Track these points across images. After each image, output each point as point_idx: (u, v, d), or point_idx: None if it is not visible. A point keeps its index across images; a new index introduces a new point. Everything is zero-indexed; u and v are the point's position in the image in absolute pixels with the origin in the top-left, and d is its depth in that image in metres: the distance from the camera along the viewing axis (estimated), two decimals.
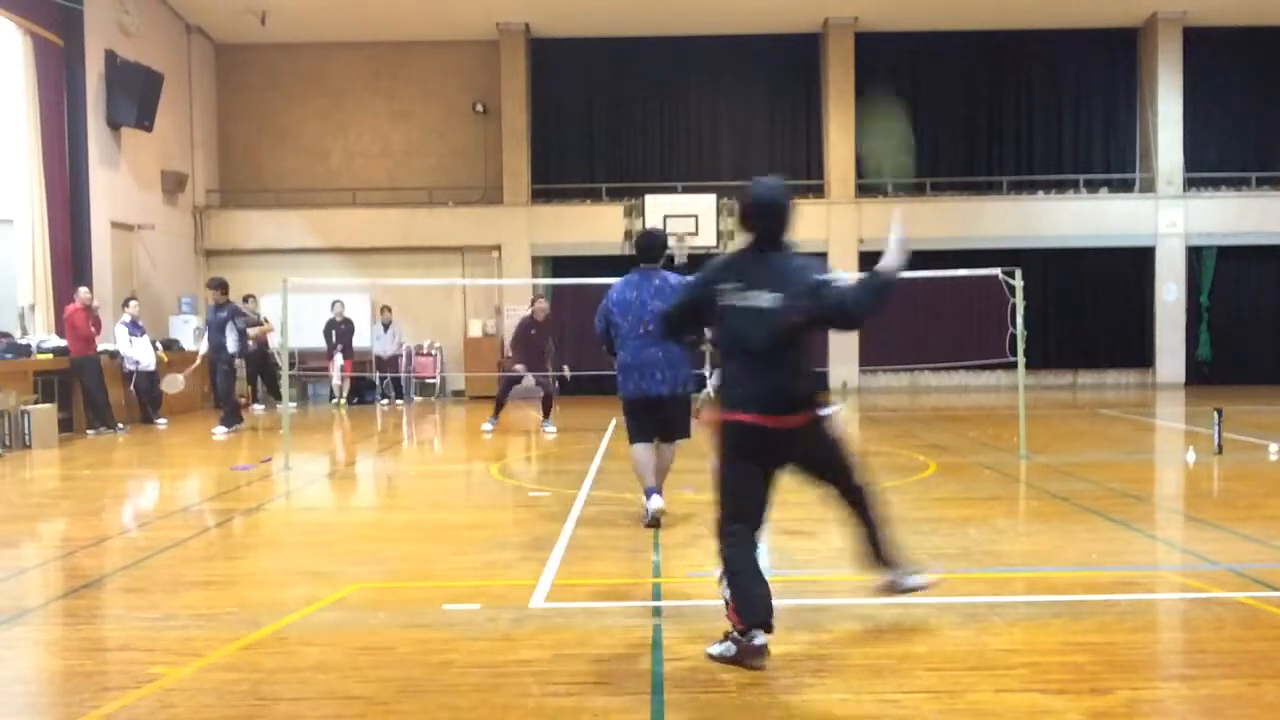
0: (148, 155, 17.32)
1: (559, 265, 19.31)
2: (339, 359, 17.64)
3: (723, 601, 4.13)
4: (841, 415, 4.11)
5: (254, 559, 6.29)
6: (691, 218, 18.39)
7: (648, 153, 20.29)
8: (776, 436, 4.09)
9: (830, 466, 4.36)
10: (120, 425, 13.56)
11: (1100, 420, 13.69)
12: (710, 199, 18.66)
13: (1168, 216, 19.35)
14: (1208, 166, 19.73)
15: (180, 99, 18.56)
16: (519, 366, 12.92)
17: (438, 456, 11.85)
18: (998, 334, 11.06)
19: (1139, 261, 19.61)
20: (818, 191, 19.35)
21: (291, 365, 11.73)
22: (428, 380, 19.12)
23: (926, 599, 4.93)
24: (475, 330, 19.25)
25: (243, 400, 15.21)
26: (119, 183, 16.45)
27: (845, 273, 4.32)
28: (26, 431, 11.88)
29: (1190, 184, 19.58)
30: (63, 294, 14.29)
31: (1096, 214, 19.43)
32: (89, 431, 13.35)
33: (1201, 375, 19.44)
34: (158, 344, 15.30)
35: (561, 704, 3.66)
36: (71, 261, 15.03)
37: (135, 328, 14.35)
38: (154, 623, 4.74)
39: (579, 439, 12.01)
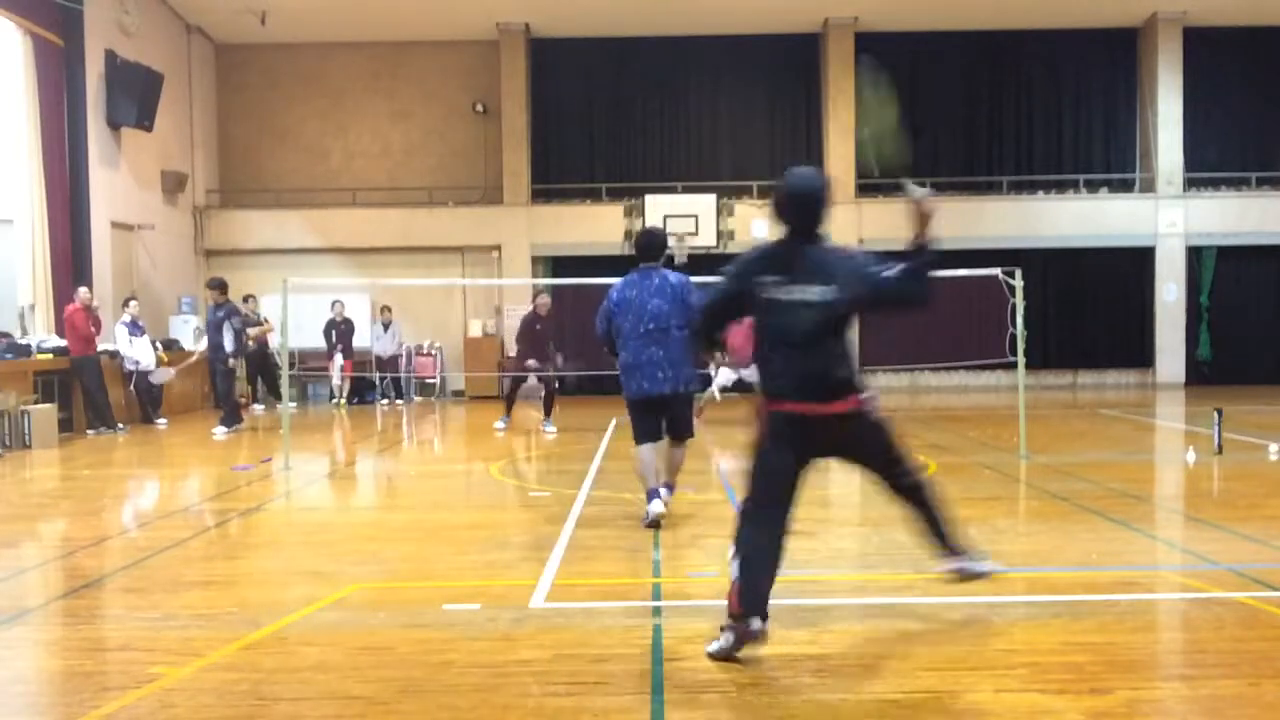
0: (148, 155, 17.31)
1: (559, 265, 19.31)
2: (339, 359, 17.64)
3: (729, 581, 4.12)
4: (880, 401, 4.11)
5: (254, 559, 6.29)
6: (691, 218, 18.40)
7: (648, 153, 20.29)
8: (820, 424, 4.07)
9: (875, 455, 4.33)
10: (120, 425, 13.56)
11: (1100, 420, 13.69)
12: (710, 199, 18.68)
13: (1168, 216, 19.35)
14: (1208, 166, 19.72)
15: (180, 99, 18.56)
16: (530, 362, 12.91)
17: (438, 456, 11.85)
18: (998, 334, 11.08)
19: (1139, 261, 19.61)
20: None
21: (291, 365, 11.73)
22: (428, 380, 19.12)
23: (926, 599, 4.93)
24: (475, 330, 19.25)
25: (243, 400, 15.21)
26: (119, 183, 16.45)
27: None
28: (26, 431, 11.88)
29: (1190, 184, 19.58)
30: (63, 294, 14.29)
31: (1096, 214, 19.43)
32: (89, 431, 13.35)
33: (1201, 375, 19.43)
34: (158, 344, 15.30)
35: (561, 704, 3.66)
36: (71, 261, 15.03)
37: (135, 328, 14.35)
38: (154, 623, 4.74)
39: (579, 439, 12.01)
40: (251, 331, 14.75)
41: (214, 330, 13.23)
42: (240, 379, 14.69)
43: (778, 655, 4.09)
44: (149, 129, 16.48)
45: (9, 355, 12.67)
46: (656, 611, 4.82)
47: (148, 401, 14.44)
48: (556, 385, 13.41)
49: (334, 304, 17.65)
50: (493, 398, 18.71)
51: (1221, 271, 19.51)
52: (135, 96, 16.00)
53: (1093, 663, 4.01)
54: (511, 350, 17.43)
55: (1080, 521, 6.76)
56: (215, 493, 8.71)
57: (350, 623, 4.70)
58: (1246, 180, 19.76)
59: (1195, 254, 19.49)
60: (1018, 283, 10.14)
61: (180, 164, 18.58)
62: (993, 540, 6.25)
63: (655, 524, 6.63)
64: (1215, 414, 10.08)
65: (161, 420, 14.41)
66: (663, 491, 7.10)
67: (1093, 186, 19.93)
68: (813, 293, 4.04)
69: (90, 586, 5.55)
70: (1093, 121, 20.17)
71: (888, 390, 19.20)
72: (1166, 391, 18.42)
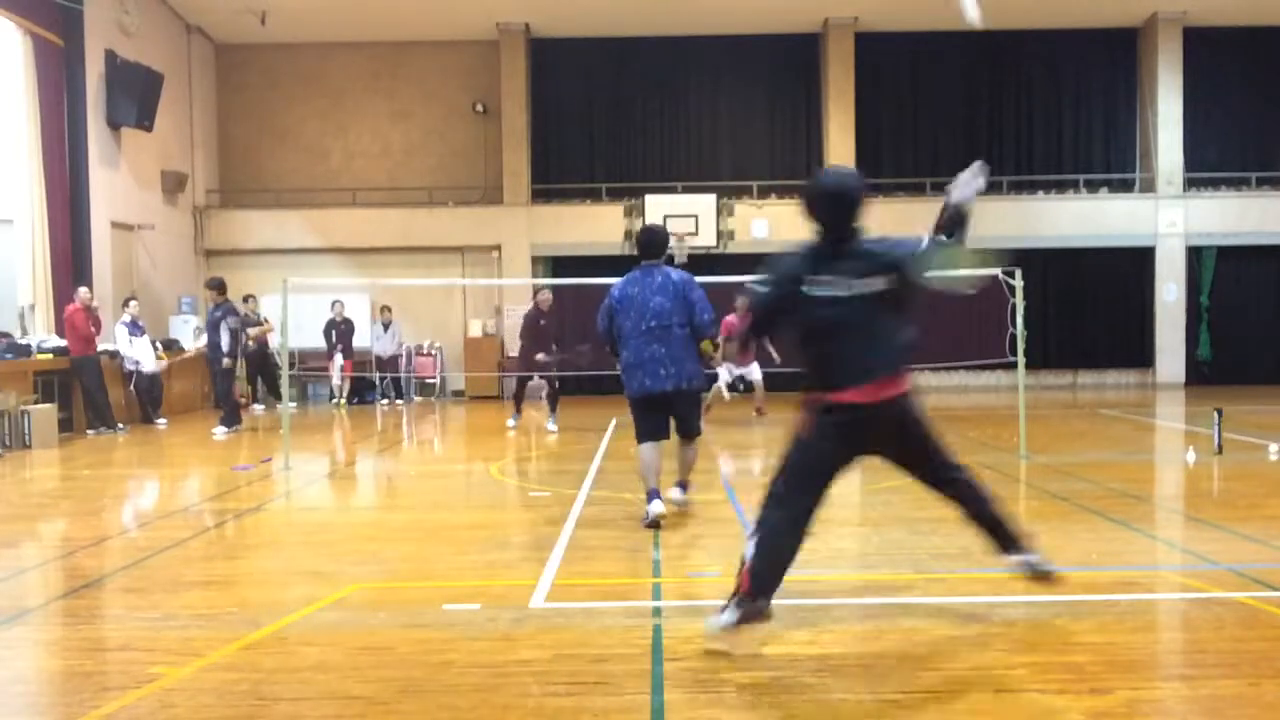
0: (148, 155, 17.31)
1: (559, 265, 19.31)
2: (339, 359, 17.65)
3: (741, 559, 4.14)
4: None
5: (254, 559, 6.29)
6: (691, 218, 18.41)
7: (648, 153, 20.29)
8: (870, 413, 4.09)
9: (919, 447, 4.35)
10: (120, 425, 13.56)
11: (1100, 420, 13.69)
12: (710, 199, 18.69)
13: (1168, 216, 19.35)
14: (1208, 166, 19.72)
15: (180, 99, 18.56)
16: (541, 355, 12.90)
17: (438, 456, 11.85)
18: (998, 334, 11.07)
19: (1139, 261, 19.61)
20: None
21: (291, 365, 11.73)
22: (428, 380, 19.12)
23: (926, 599, 4.93)
24: (475, 330, 19.25)
25: (243, 400, 15.22)
26: (119, 183, 16.45)
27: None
28: (26, 431, 11.88)
29: (1190, 184, 19.58)
30: (63, 294, 14.29)
31: (1096, 214, 19.43)
32: (89, 431, 13.36)
33: (1201, 375, 19.43)
34: (158, 344, 15.31)
35: (561, 704, 3.66)
36: (71, 261, 15.03)
37: (135, 328, 14.36)
38: (154, 623, 4.74)
39: (579, 439, 12.01)
40: (251, 331, 14.75)
41: (212, 330, 13.26)
42: (240, 379, 14.69)
43: (778, 655, 4.09)
44: (149, 129, 16.48)
45: (9, 355, 12.67)
46: (656, 611, 4.82)
47: (148, 401, 14.45)
48: (557, 384, 13.41)
49: (334, 304, 17.65)
50: (493, 398, 18.73)
51: (1221, 271, 19.51)
52: (135, 96, 16.01)
53: (1093, 663, 4.01)
54: (512, 350, 17.45)
55: (1080, 521, 6.76)
56: (215, 493, 8.71)
57: (350, 623, 4.70)
58: (1246, 180, 19.76)
59: (1195, 254, 19.49)
60: (1018, 283, 10.14)
61: (180, 164, 18.58)
62: None
63: (655, 524, 6.62)
64: (1215, 414, 10.08)
65: (161, 420, 14.41)
66: (675, 491, 7.10)
67: (1093, 186, 19.93)
68: (860, 286, 4.09)
69: (90, 586, 5.55)
70: (1093, 121, 20.17)
71: None
72: (1166, 391, 18.42)
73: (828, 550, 5.91)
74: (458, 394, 19.42)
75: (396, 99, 20.35)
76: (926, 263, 4.20)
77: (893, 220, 9.14)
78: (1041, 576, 4.53)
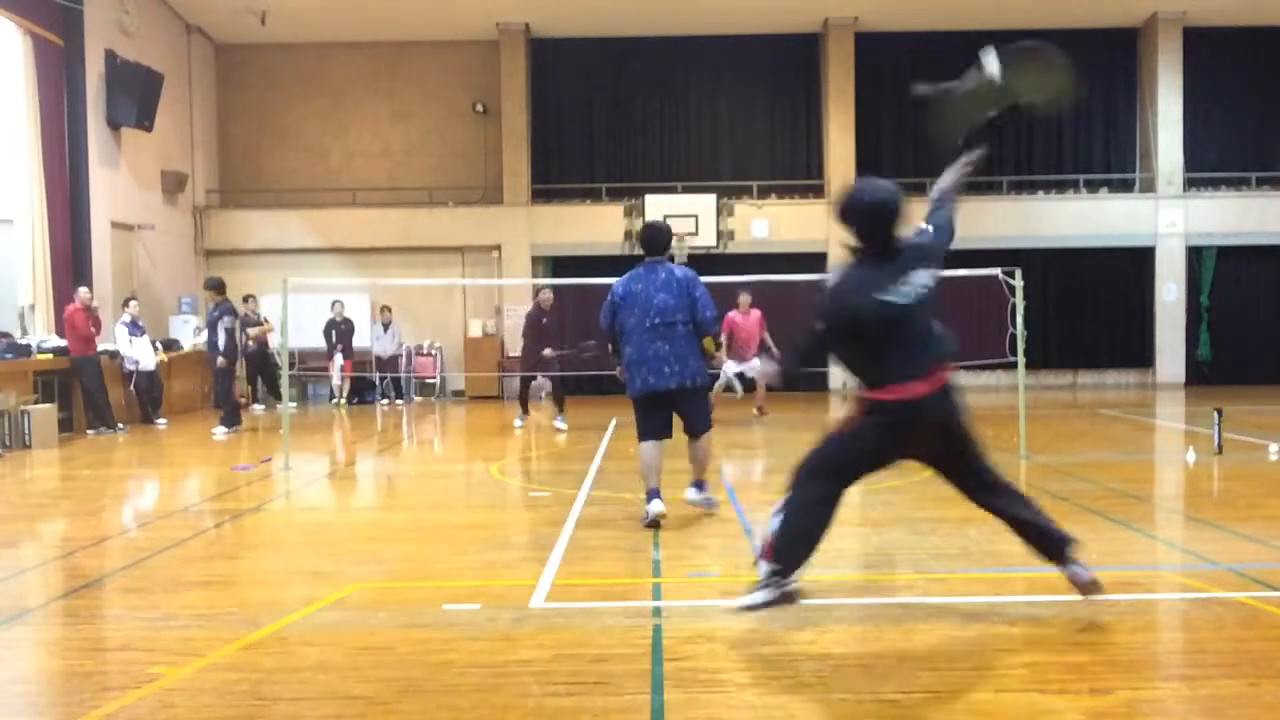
0: (148, 155, 17.32)
1: (559, 265, 19.31)
2: (339, 359, 17.65)
3: (762, 537, 4.20)
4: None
5: (254, 559, 6.29)
6: (691, 218, 18.41)
7: (648, 153, 20.28)
8: (919, 406, 4.15)
9: (960, 450, 4.42)
10: (120, 425, 13.56)
11: (1100, 420, 13.69)
12: (710, 199, 18.68)
13: (1168, 216, 19.36)
14: (1208, 166, 19.73)
15: (180, 99, 18.56)
16: (547, 351, 12.91)
17: (438, 456, 11.85)
18: (998, 334, 11.06)
19: (1139, 261, 19.61)
20: (818, 191, 19.31)
21: (291, 365, 11.73)
22: (428, 380, 19.13)
23: (926, 599, 4.93)
24: (475, 330, 19.25)
25: (243, 400, 15.22)
26: (119, 183, 16.45)
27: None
28: (26, 431, 11.88)
29: (1190, 184, 19.59)
30: (63, 294, 14.29)
31: (1096, 214, 19.43)
32: (89, 431, 13.36)
33: (1201, 375, 19.44)
34: (158, 344, 15.31)
35: (561, 704, 3.66)
36: (71, 261, 15.04)
37: (135, 328, 14.36)
38: (154, 623, 4.74)
39: (579, 439, 12.01)
40: (251, 331, 14.74)
41: (211, 330, 13.26)
42: (240, 379, 14.69)
43: (778, 655, 4.09)
44: (149, 129, 16.48)
45: (9, 355, 12.67)
46: (656, 611, 4.82)
47: (148, 401, 14.45)
48: (563, 383, 13.44)
49: (334, 304, 17.66)
50: (493, 398, 18.74)
51: (1221, 271, 19.51)
52: (135, 96, 16.01)
53: (1093, 663, 4.01)
54: (512, 350, 17.45)
55: (1080, 521, 6.75)
56: (215, 493, 8.71)
57: (350, 623, 4.70)
58: (1246, 180, 19.76)
59: (1195, 254, 19.49)
60: (1018, 283, 10.14)
61: (180, 164, 18.59)
62: (993, 540, 6.25)
63: (655, 524, 6.61)
64: (1215, 414, 10.08)
65: (161, 420, 14.41)
66: (691, 492, 7.09)
67: (1093, 186, 19.93)
68: (903, 293, 4.20)
69: (90, 586, 5.55)
70: (1093, 121, 20.16)
71: None
72: (1166, 391, 18.42)
73: (828, 550, 5.90)
74: (458, 394, 19.42)
75: (396, 99, 20.35)
76: (948, 224, 4.52)
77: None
78: (1087, 588, 4.50)
